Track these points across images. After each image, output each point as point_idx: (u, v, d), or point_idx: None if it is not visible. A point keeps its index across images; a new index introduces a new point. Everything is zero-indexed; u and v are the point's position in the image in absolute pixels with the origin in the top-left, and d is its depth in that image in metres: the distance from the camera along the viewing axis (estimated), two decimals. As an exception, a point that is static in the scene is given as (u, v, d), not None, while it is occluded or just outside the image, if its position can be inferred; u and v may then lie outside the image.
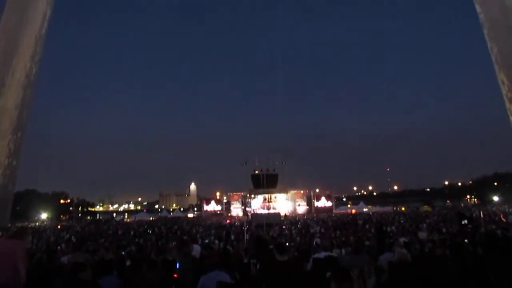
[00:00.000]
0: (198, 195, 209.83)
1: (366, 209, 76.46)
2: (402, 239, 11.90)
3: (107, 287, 5.17)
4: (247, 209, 71.22)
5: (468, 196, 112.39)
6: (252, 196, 73.34)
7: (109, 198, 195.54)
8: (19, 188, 74.63)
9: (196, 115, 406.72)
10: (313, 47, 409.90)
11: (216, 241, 18.40)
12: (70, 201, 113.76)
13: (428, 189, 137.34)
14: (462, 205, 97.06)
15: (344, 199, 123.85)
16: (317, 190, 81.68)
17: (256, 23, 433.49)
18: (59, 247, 18.96)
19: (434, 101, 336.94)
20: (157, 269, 6.01)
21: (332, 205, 75.56)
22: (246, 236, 18.77)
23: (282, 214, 54.22)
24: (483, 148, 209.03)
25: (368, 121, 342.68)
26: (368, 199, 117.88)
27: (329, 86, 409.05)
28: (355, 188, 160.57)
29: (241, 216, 63.37)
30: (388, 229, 23.66)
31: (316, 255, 8.27)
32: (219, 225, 37.90)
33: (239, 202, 75.66)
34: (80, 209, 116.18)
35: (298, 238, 20.74)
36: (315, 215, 61.51)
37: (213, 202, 79.30)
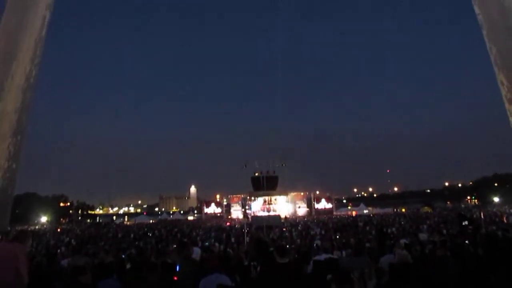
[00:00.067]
0: (198, 198, 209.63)
1: (367, 211, 76.38)
2: (402, 241, 11.89)
3: (107, 290, 5.16)
4: (247, 211, 71.14)
5: (468, 197, 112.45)
6: (252, 198, 73.32)
7: (109, 201, 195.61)
8: (19, 192, 74.81)
9: (195, 117, 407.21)
10: (312, 48, 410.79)
11: (216, 244, 18.38)
12: (70, 204, 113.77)
13: (428, 190, 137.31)
14: (463, 206, 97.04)
15: (344, 201, 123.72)
16: (317, 192, 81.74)
17: (256, 26, 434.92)
18: (59, 250, 18.93)
19: (434, 102, 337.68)
20: (157, 272, 5.99)
21: (332, 207, 75.44)
22: (247, 239, 18.75)
23: (282, 216, 54.07)
24: (483, 149, 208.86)
25: (368, 122, 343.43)
26: (368, 200, 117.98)
27: (328, 87, 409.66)
28: (355, 190, 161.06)
29: (241, 219, 63.30)
30: (389, 230, 23.61)
31: (317, 257, 8.26)
32: (219, 228, 37.85)
33: (239, 204, 75.59)
34: (80, 212, 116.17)
35: (298, 240, 20.71)
36: (315, 217, 61.44)
37: (213, 204, 79.23)
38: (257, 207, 71.69)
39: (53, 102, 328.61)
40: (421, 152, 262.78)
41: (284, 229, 31.97)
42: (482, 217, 26.76)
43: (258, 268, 6.63)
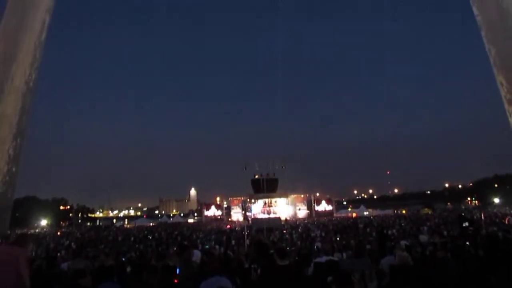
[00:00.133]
0: (198, 200, 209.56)
1: (367, 213, 76.24)
2: (403, 242, 11.86)
3: (107, 294, 5.15)
4: (248, 214, 70.95)
5: (468, 198, 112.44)
6: (253, 200, 73.18)
7: (109, 204, 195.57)
8: (19, 195, 74.80)
9: (195, 120, 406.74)
10: (312, 48, 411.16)
11: (217, 246, 18.39)
12: (70, 208, 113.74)
13: (428, 192, 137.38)
14: (463, 207, 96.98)
15: (345, 203, 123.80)
16: (318, 194, 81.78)
17: (256, 26, 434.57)
18: (59, 254, 18.91)
19: (434, 103, 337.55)
20: (158, 275, 5.98)
21: (332, 209, 75.37)
22: (247, 241, 18.74)
23: (283, 218, 54.06)
24: (483, 150, 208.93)
25: (367, 124, 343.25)
26: (368, 202, 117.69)
27: (328, 89, 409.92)
28: (355, 192, 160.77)
29: (242, 221, 63.15)
30: (389, 232, 23.62)
31: (317, 259, 8.25)
32: (220, 230, 37.81)
33: (239, 207, 75.46)
34: (80, 215, 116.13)
35: (298, 243, 20.70)
36: (315, 219, 61.40)
37: (213, 207, 79.12)
38: (257, 209, 71.57)
39: (53, 105, 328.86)
40: (421, 153, 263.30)
41: (284, 231, 31.96)
42: (483, 218, 26.73)
43: (259, 271, 6.62)
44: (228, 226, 48.20)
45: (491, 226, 23.98)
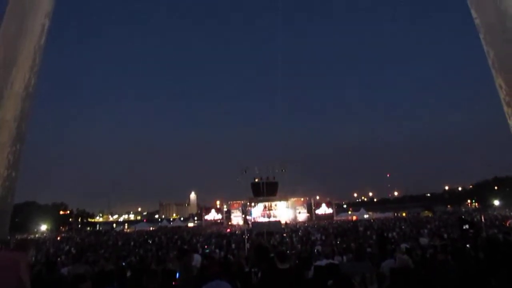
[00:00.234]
0: (198, 204, 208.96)
1: (367, 216, 76.21)
2: (403, 245, 11.86)
3: (107, 299, 5.14)
4: (248, 217, 70.96)
5: (468, 201, 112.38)
6: (252, 204, 73.15)
7: (109, 208, 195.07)
8: (19, 200, 74.51)
9: (195, 123, 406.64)
10: (312, 53, 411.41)
11: (217, 250, 18.36)
12: (70, 212, 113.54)
13: (428, 194, 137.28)
14: (463, 209, 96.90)
15: (345, 206, 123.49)
16: (318, 197, 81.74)
17: (256, 34, 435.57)
18: (59, 259, 18.89)
19: (434, 105, 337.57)
20: (158, 279, 5.97)
21: (332, 212, 75.32)
22: (247, 245, 18.71)
23: (283, 222, 53.99)
24: (483, 152, 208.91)
25: (367, 127, 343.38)
26: (368, 205, 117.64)
27: (328, 92, 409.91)
28: (355, 195, 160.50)
29: (242, 225, 63.18)
30: (389, 235, 23.60)
31: (318, 263, 8.25)
32: (220, 234, 37.78)
33: (239, 210, 75.41)
34: (79, 220, 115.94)
35: (299, 246, 20.69)
36: (315, 222, 61.38)
37: (213, 211, 79.05)
38: (257, 213, 71.54)
39: (52, 109, 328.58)
40: (421, 156, 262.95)
41: (284, 234, 31.91)
42: (483, 220, 26.70)
43: (259, 274, 6.60)
44: (228, 230, 48.17)
45: (491, 229, 23.94)
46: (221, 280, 5.14)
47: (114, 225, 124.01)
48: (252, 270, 8.03)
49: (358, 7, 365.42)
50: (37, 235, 73.43)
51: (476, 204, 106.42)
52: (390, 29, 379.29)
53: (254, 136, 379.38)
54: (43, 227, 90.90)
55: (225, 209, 79.13)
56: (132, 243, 31.93)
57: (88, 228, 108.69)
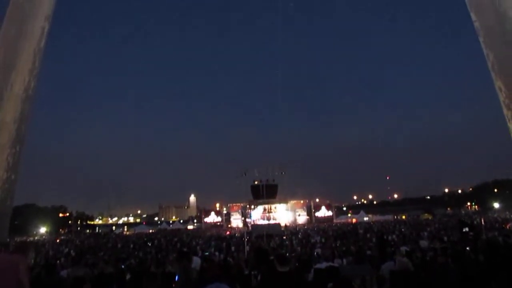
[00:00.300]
0: (197, 207, 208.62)
1: (367, 218, 76.16)
2: (403, 248, 11.87)
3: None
4: (247, 220, 70.88)
5: (468, 203, 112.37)
6: (252, 207, 73.08)
7: (108, 211, 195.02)
8: (18, 202, 74.54)
9: (194, 125, 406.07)
10: (312, 55, 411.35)
11: (216, 253, 18.35)
12: (69, 215, 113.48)
13: (428, 197, 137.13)
14: (463, 212, 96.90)
15: (344, 208, 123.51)
16: (317, 200, 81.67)
17: (255, 37, 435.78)
18: (58, 261, 18.84)
19: (434, 106, 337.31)
20: (157, 281, 5.97)
21: (332, 214, 75.33)
22: (247, 247, 18.70)
23: (282, 224, 54.00)
24: (483, 154, 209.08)
25: (367, 127, 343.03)
26: (368, 208, 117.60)
27: (327, 94, 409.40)
28: (355, 197, 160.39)
29: (241, 227, 63.11)
30: (389, 238, 23.59)
31: (317, 266, 8.25)
32: (219, 237, 37.72)
33: (239, 213, 75.34)
34: (79, 222, 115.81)
35: (298, 249, 20.67)
36: (315, 225, 61.33)
37: (212, 213, 79.09)
38: (257, 215, 71.50)
39: (52, 111, 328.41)
40: (420, 158, 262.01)
41: (284, 237, 31.90)
42: (483, 223, 26.71)
43: (259, 277, 6.60)
44: (228, 233, 48.12)
45: (491, 231, 23.95)
46: (220, 283, 5.13)
47: (114, 227, 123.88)
48: (252, 273, 8.03)
49: (358, 7, 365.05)
50: (36, 238, 73.39)
51: (476, 206, 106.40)
52: (390, 29, 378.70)
53: (254, 138, 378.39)
54: (43, 230, 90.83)
55: (224, 212, 79.07)
56: (131, 246, 31.88)
57: (88, 231, 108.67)
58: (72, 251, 29.02)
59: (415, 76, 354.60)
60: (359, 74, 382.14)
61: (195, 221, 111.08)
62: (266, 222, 63.97)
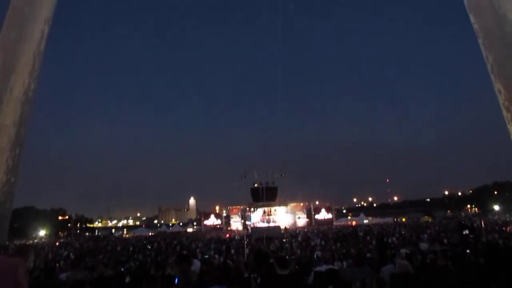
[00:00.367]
0: (197, 210, 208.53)
1: (367, 221, 76.19)
2: (403, 251, 11.85)
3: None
4: (247, 222, 70.90)
5: (468, 206, 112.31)
6: (252, 209, 73.05)
7: (108, 213, 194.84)
8: (18, 205, 74.44)
9: (194, 129, 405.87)
10: (312, 58, 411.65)
11: (216, 256, 18.30)
12: (69, 218, 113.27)
13: (428, 200, 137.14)
14: (463, 214, 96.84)
15: (344, 211, 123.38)
16: (317, 202, 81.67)
17: (255, 37, 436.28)
18: (57, 264, 18.82)
19: (434, 110, 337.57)
20: (157, 284, 5.95)
21: (332, 217, 75.32)
22: (246, 250, 18.68)
23: (282, 227, 53.97)
24: (483, 157, 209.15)
25: (366, 132, 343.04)
26: (368, 210, 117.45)
27: (327, 97, 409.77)
28: (355, 200, 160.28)
29: (241, 230, 63.14)
30: (389, 240, 23.55)
31: (317, 268, 8.23)
32: (219, 239, 37.68)
33: (238, 215, 75.33)
34: (78, 225, 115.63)
35: (298, 251, 20.64)
36: (315, 227, 61.29)
37: (212, 216, 79.01)
38: (257, 218, 71.44)
39: (51, 114, 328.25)
40: (420, 161, 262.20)
41: (284, 240, 31.85)
42: (483, 225, 26.70)
43: (259, 280, 6.58)
44: (228, 235, 48.06)
45: (491, 234, 23.93)
46: (220, 286, 5.14)
47: (113, 230, 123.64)
48: (252, 275, 8.00)
49: (358, 7, 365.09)
50: (35, 240, 73.25)
51: (476, 209, 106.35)
52: (390, 29, 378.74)
53: (253, 140, 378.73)
54: (42, 232, 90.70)
55: (224, 214, 79.13)
56: (131, 249, 31.82)
57: (87, 234, 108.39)
58: (71, 254, 28.96)
59: (414, 83, 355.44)
60: (359, 74, 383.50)
61: (194, 223, 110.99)
62: (266, 224, 63.89)
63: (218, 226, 74.79)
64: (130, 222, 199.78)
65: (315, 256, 15.85)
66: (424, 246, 16.91)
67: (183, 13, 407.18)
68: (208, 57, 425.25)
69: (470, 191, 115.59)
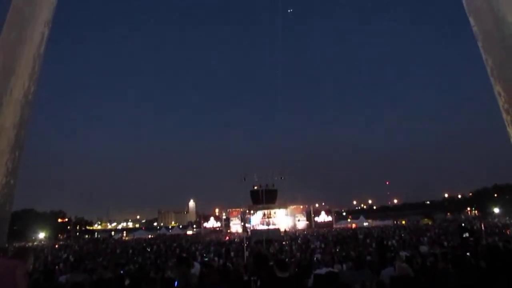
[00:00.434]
0: (197, 212, 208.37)
1: (366, 223, 76.07)
2: (403, 253, 11.83)
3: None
4: (247, 225, 70.78)
5: (468, 208, 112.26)
6: (252, 212, 72.93)
7: (107, 216, 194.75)
8: (17, 208, 74.35)
9: (194, 131, 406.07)
10: (311, 61, 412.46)
11: (216, 258, 18.28)
12: (68, 220, 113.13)
13: (428, 202, 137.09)
14: (463, 217, 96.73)
15: (344, 214, 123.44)
16: (317, 205, 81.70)
17: (255, 37, 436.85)
18: (57, 267, 18.78)
19: (433, 113, 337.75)
20: (156, 287, 5.95)
21: (332, 219, 75.17)
22: (246, 253, 18.64)
23: (282, 229, 53.82)
24: (483, 159, 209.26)
25: (366, 135, 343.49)
26: (368, 213, 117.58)
27: (327, 100, 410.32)
28: (354, 202, 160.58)
29: (241, 233, 62.99)
30: (389, 243, 23.50)
31: (317, 271, 8.21)
32: (219, 242, 37.62)
33: (238, 218, 75.16)
34: (78, 227, 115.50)
35: (298, 254, 20.59)
36: (315, 230, 61.21)
37: (212, 218, 78.84)
38: (257, 220, 71.32)
39: (51, 116, 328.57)
40: (420, 163, 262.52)
41: (284, 242, 31.81)
42: (483, 228, 26.66)
43: (258, 283, 6.57)
44: (227, 238, 48.03)
45: (491, 237, 23.90)
46: (220, 289, 5.12)
47: (113, 233, 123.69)
48: (251, 278, 7.99)
49: (359, 7, 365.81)
50: (35, 243, 73.13)
51: (476, 211, 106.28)
52: (390, 29, 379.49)
53: (253, 143, 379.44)
54: (41, 235, 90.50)
55: (224, 217, 78.99)
56: (130, 251, 31.78)
57: (86, 236, 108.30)
58: (71, 256, 28.91)
59: (414, 86, 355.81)
60: (359, 74, 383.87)
61: (194, 226, 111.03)
62: (265, 227, 63.74)
63: (217, 229, 74.63)
64: (130, 224, 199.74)
65: (315, 258, 15.83)
66: (424, 249, 16.88)
67: (183, 13, 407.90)
68: (208, 57, 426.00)
69: (470, 194, 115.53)
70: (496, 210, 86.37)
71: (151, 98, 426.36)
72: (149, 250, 32.76)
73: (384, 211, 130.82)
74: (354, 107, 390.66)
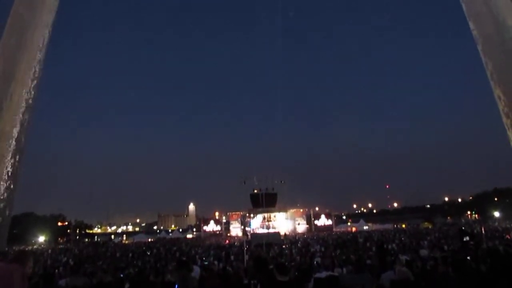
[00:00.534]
0: (197, 216, 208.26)
1: (367, 227, 76.10)
2: (403, 257, 11.81)
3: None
4: (247, 228, 70.61)
5: (468, 212, 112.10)
6: (252, 215, 72.88)
7: (107, 219, 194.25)
8: (17, 211, 74.32)
9: (194, 134, 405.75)
10: (311, 64, 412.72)
11: (216, 262, 18.24)
12: (68, 224, 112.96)
13: (428, 206, 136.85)
14: (463, 221, 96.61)
15: (344, 217, 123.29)
16: (317, 209, 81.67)
17: (255, 37, 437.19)
18: (56, 271, 18.73)
19: (434, 116, 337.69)
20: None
21: (332, 223, 75.20)
22: (246, 256, 18.62)
23: (282, 233, 53.82)
24: (483, 163, 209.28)
25: (366, 138, 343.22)
26: (368, 216, 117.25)
27: (327, 104, 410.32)
28: (354, 206, 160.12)
29: (241, 236, 62.89)
30: (389, 246, 23.47)
31: (317, 275, 8.20)
32: (219, 246, 37.57)
33: (238, 222, 75.05)
34: (78, 231, 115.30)
35: (298, 258, 20.55)
36: (315, 233, 61.16)
37: (212, 222, 78.87)
38: (257, 224, 71.28)
39: (51, 120, 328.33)
40: (420, 167, 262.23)
41: (283, 246, 31.76)
42: (483, 232, 26.62)
43: (258, 287, 6.57)
44: (227, 241, 47.97)
45: (491, 240, 23.86)
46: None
47: (112, 236, 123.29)
48: (251, 282, 7.98)
49: (359, 8, 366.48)
50: (35, 246, 73.00)
51: (476, 215, 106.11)
52: (391, 30, 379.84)
53: (253, 143, 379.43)
54: (41, 238, 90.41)
55: (224, 221, 78.97)
56: (130, 255, 31.70)
57: (86, 240, 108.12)
58: (70, 260, 28.83)
59: (414, 89, 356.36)
60: (359, 74, 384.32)
61: (194, 229, 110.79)
62: (265, 231, 63.81)
63: (217, 232, 74.67)
64: (130, 228, 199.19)
65: (315, 262, 15.79)
66: (424, 252, 16.85)
67: (183, 13, 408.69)
68: (208, 57, 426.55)
69: (470, 198, 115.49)
70: (497, 214, 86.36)
71: (150, 102, 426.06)
72: (149, 253, 32.69)
73: (384, 215, 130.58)
74: (354, 107, 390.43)
